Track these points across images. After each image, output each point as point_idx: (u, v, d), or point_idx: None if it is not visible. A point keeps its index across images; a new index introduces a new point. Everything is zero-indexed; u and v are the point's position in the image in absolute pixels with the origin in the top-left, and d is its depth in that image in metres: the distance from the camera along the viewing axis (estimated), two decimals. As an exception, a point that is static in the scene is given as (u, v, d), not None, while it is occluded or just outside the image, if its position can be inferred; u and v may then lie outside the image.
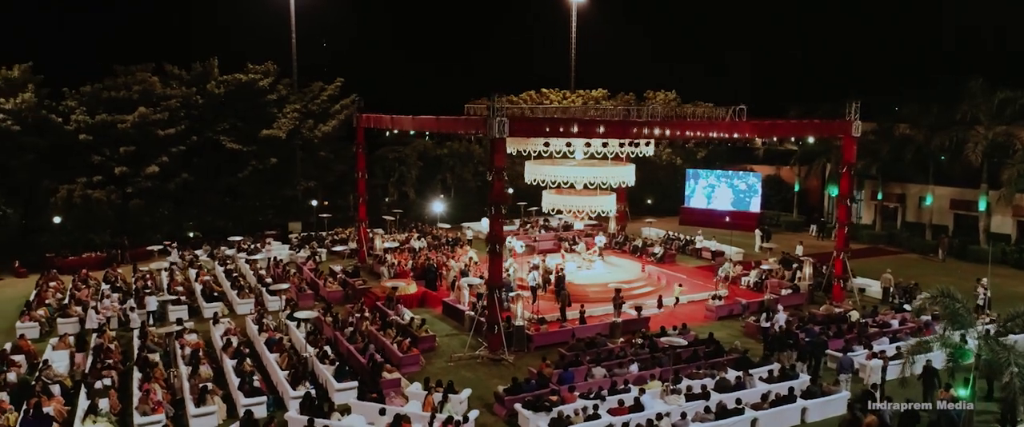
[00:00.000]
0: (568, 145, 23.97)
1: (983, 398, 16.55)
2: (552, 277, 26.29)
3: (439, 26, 61.48)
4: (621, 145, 24.80)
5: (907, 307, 23.73)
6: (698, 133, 24.74)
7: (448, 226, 38.94)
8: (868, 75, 51.69)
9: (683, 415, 15.29)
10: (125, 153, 34.41)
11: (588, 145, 25.22)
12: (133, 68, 36.50)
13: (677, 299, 26.04)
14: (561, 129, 22.99)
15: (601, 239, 33.61)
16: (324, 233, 37.43)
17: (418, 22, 61.72)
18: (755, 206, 43.06)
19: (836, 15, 55.42)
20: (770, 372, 18.01)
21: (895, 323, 22.41)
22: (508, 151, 30.50)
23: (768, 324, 21.87)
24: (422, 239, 35.32)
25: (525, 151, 27.48)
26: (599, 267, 29.50)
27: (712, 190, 44.51)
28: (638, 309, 22.69)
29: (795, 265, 29.22)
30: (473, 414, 16.26)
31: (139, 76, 35.97)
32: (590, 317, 23.58)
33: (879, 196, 40.15)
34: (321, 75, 42.28)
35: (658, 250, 33.57)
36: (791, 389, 16.74)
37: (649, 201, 48.82)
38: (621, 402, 15.98)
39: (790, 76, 56.64)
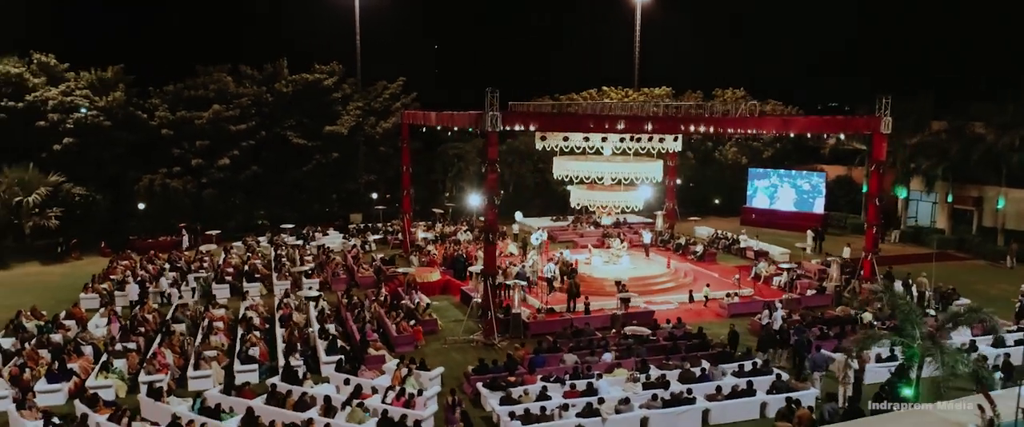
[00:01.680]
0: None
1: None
2: (569, 270, 26.80)
3: (510, 25, 62.71)
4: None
5: (930, 312, 22.63)
6: (711, 128, 24.59)
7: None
8: (948, 72, 48.76)
9: (627, 401, 15.60)
10: (201, 147, 37.63)
11: (604, 140, 25.57)
12: (211, 68, 39.76)
13: (706, 296, 26.05)
14: (563, 125, 23.51)
15: (647, 235, 33.87)
16: (379, 224, 39.41)
17: (489, 21, 63.10)
18: (818, 207, 41.48)
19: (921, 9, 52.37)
20: (740, 366, 17.92)
21: (908, 326, 21.48)
22: (539, 147, 31.64)
23: (768, 322, 21.60)
24: (469, 232, 36.59)
25: (550, 147, 28.14)
26: (625, 262, 29.71)
27: (774, 190, 43.26)
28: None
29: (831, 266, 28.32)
30: (435, 389, 17.22)
31: (216, 76, 39.19)
32: (599, 309, 24.04)
33: (949, 198, 37.84)
34: (386, 74, 44.37)
35: (699, 248, 33.32)
36: (750, 383, 16.66)
37: (717, 201, 48.01)
38: (573, 386, 16.46)
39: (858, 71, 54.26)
